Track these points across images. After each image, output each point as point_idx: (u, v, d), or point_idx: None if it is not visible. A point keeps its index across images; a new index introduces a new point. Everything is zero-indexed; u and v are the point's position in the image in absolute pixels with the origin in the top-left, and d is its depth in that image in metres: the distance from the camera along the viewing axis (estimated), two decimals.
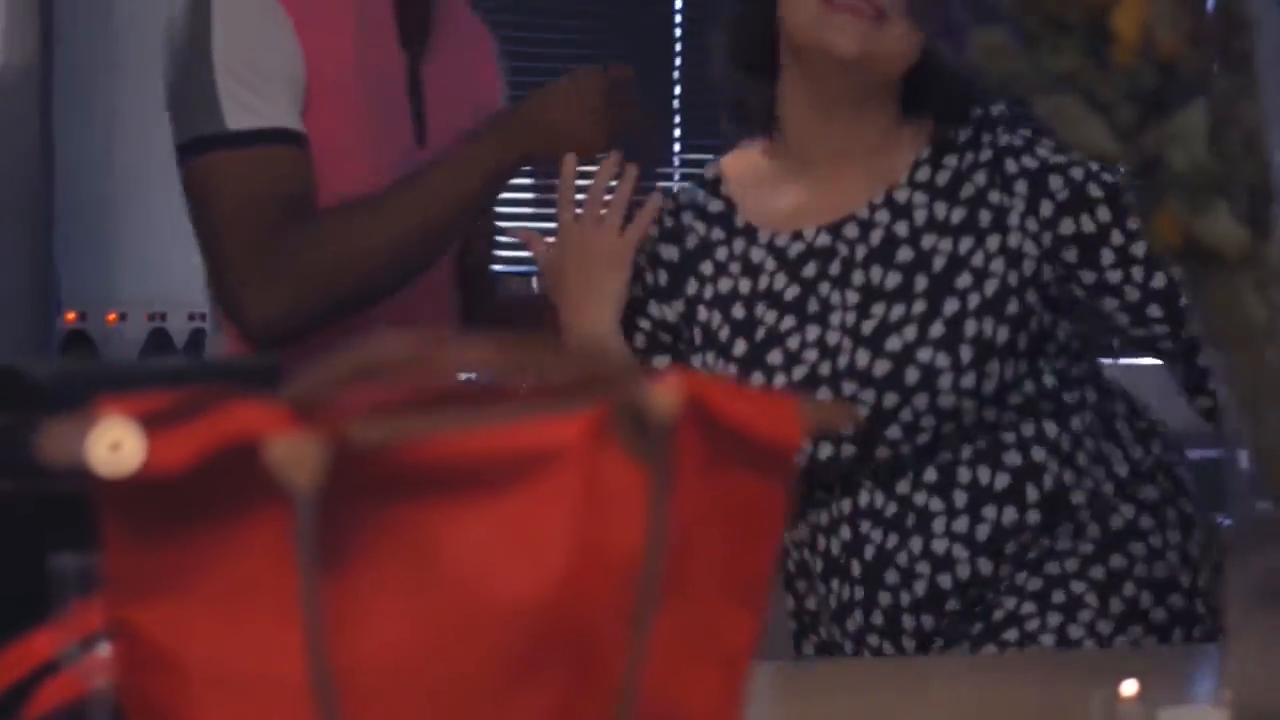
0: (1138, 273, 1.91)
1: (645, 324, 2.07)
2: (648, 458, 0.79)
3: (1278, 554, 1.08)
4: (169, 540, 0.73)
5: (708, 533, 0.83)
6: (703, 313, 2.02)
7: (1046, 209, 1.91)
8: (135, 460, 0.70)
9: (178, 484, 0.71)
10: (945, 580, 1.88)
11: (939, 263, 1.92)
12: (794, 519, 1.98)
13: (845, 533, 1.92)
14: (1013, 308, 1.90)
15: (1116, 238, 1.91)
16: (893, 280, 1.91)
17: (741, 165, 2.06)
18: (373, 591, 0.76)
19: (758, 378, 1.95)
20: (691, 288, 2.03)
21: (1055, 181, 1.91)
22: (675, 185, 4.13)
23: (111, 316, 3.72)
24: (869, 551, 1.90)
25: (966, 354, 1.88)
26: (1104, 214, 1.91)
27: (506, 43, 2.40)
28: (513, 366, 0.78)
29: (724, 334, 1.99)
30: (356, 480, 0.75)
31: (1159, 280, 1.91)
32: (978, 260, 1.91)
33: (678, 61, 4.14)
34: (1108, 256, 1.91)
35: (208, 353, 2.19)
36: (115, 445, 0.70)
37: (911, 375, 1.88)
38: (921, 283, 1.91)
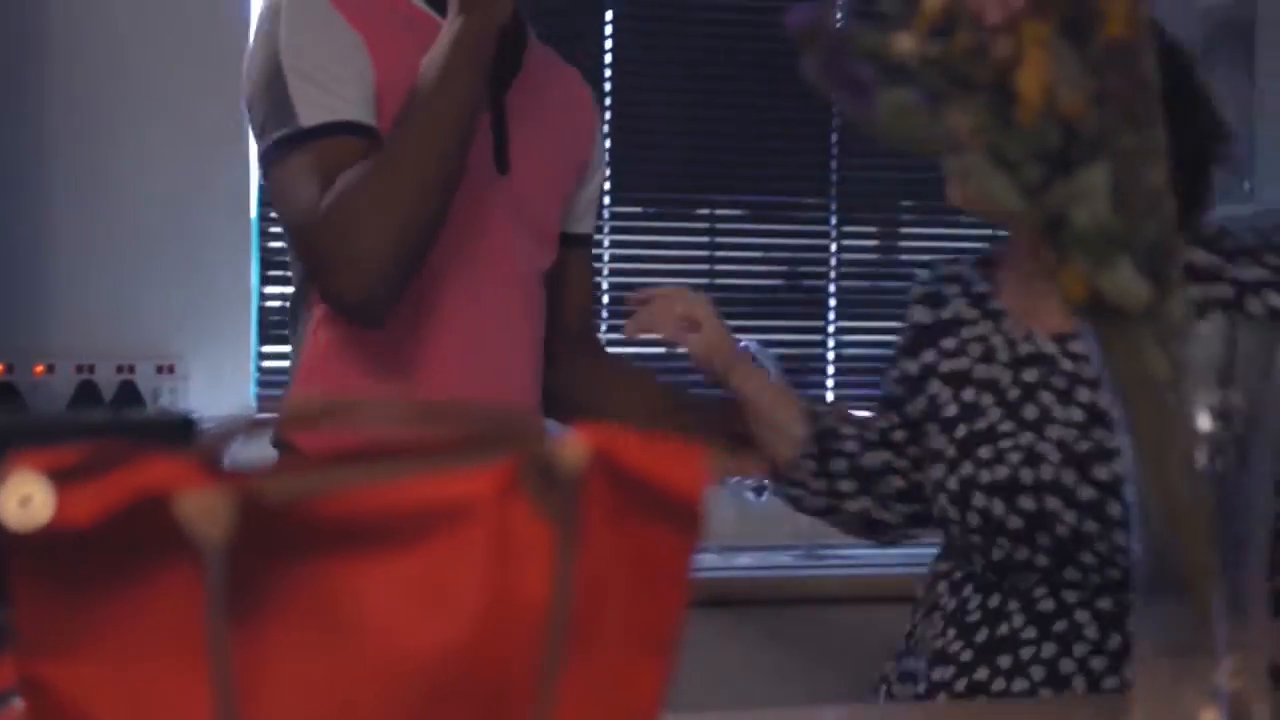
0: None
1: (894, 373, 2.12)
2: (555, 511, 0.80)
3: (1180, 602, 1.10)
4: (80, 595, 0.74)
5: (617, 583, 0.84)
6: (934, 385, 2.05)
7: None
8: (44, 514, 0.71)
9: (88, 538, 0.72)
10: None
11: None
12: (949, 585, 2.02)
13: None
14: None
15: None
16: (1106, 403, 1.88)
17: (1019, 253, 2.05)
18: (282, 645, 0.77)
19: (968, 467, 1.96)
20: (929, 356, 2.05)
21: None
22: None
23: (39, 368, 3.71)
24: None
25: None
26: None
27: None
28: (421, 421, 0.79)
29: (949, 411, 2.01)
30: (267, 534, 0.76)
31: None
32: None
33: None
34: None
35: (294, 339, 2.30)
36: (25, 500, 0.71)
37: (1115, 509, 1.85)
38: None
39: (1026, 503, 1.88)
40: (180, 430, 3.29)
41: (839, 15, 1.04)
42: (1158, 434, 1.09)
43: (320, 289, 2.13)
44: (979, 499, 1.93)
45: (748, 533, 4.09)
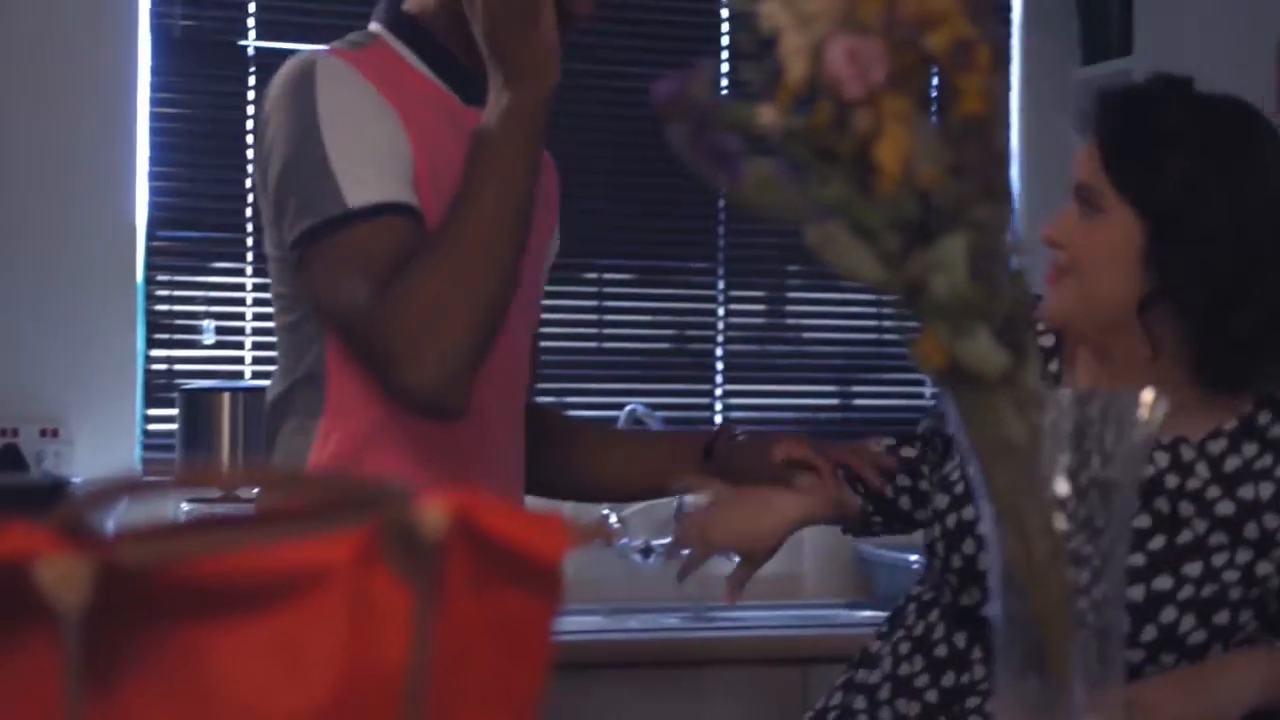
0: None
1: (935, 413, 2.18)
2: (415, 576, 0.81)
3: (1039, 667, 1.12)
4: None
5: (478, 649, 0.85)
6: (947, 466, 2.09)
7: None
8: None
9: None
10: None
11: (1184, 536, 1.90)
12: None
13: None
14: (1222, 618, 1.88)
15: None
16: (1138, 519, 1.89)
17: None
18: (140, 710, 0.77)
19: (969, 511, 2.00)
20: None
21: None
22: None
23: None
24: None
25: (1149, 634, 1.88)
26: None
27: None
28: (279, 487, 0.80)
29: (955, 492, 2.04)
30: (126, 600, 0.76)
31: None
32: (1218, 560, 1.89)
33: None
34: None
35: (279, 446, 2.14)
36: None
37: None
38: (1157, 541, 1.90)
39: (991, 561, 1.92)
40: (62, 495, 3.27)
41: (706, 87, 1.06)
42: (1016, 500, 1.11)
43: (392, 383, 1.94)
44: (969, 544, 1.96)
45: (636, 595, 4.10)
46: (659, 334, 4.29)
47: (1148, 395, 1.15)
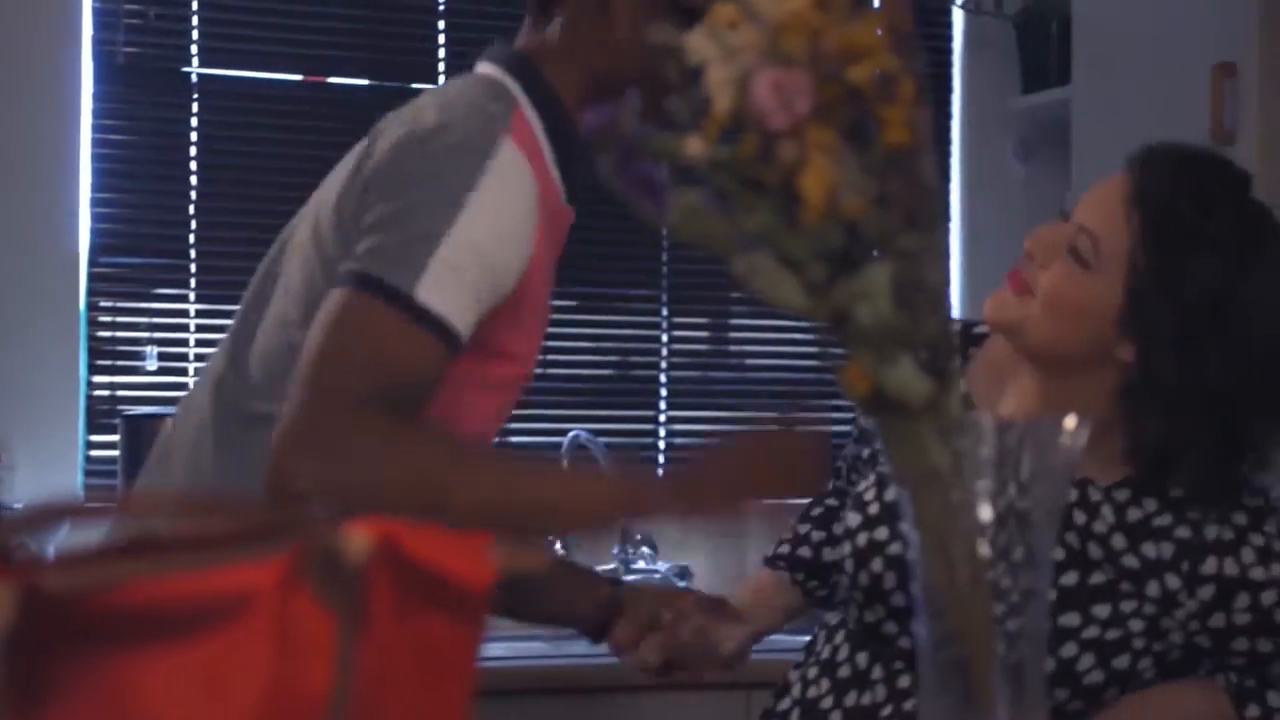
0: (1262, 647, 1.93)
1: (847, 453, 2.22)
2: (337, 601, 0.82)
3: (963, 690, 1.14)
4: None
5: (402, 672, 0.86)
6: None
7: (1219, 621, 1.90)
8: None
9: None
10: None
11: (1096, 577, 1.90)
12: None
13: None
14: (1121, 663, 1.88)
15: (1263, 645, 1.92)
16: (1056, 552, 1.89)
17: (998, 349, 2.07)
18: None
19: (882, 532, 2.01)
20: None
21: (1242, 601, 1.89)
22: None
23: None
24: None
25: (1046, 666, 1.88)
26: (1275, 632, 1.91)
27: None
28: (204, 514, 0.80)
29: (868, 512, 2.05)
30: (50, 626, 0.77)
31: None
32: (1125, 608, 1.89)
33: None
34: (1241, 644, 1.92)
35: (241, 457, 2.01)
36: None
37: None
38: (1070, 578, 1.90)
39: (916, 587, 1.94)
40: None
41: (633, 118, 1.08)
42: (940, 526, 1.13)
43: (281, 442, 1.78)
44: (877, 563, 1.98)
45: None
46: (603, 360, 4.30)
47: (1070, 422, 1.17)
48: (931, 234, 1.10)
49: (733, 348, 4.38)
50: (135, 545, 0.81)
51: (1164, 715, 1.89)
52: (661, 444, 4.32)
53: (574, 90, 2.06)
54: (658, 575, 4.11)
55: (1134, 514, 1.92)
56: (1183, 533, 1.91)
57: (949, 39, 4.46)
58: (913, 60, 1.09)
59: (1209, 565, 1.89)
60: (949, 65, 4.45)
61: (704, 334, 4.38)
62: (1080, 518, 1.91)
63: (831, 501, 2.27)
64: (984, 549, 1.15)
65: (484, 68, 2.08)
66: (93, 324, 3.94)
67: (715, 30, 1.08)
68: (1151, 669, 1.89)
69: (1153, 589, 1.89)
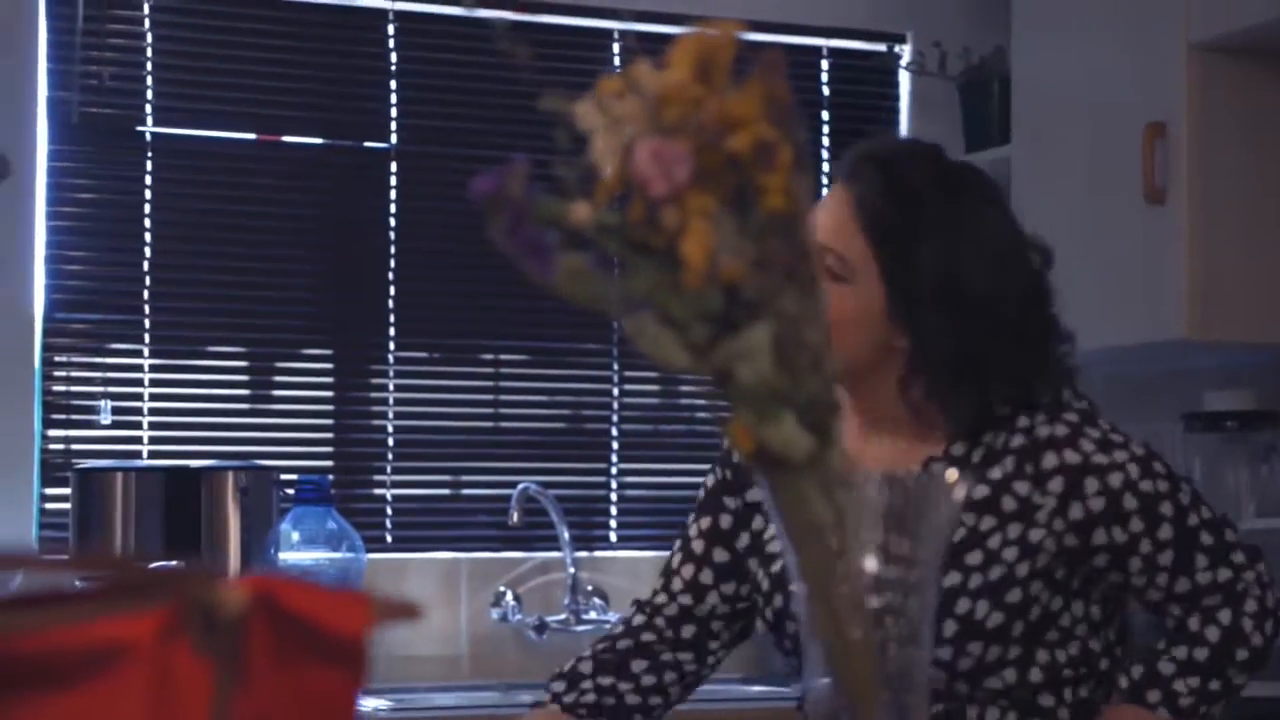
0: (1162, 579, 2.01)
1: (701, 524, 2.23)
2: (215, 651, 0.86)
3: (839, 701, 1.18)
4: None
5: (282, 718, 0.89)
6: (758, 520, 2.15)
7: (1077, 512, 1.99)
8: None
9: None
10: None
11: (959, 533, 1.98)
12: None
13: None
14: (1014, 596, 1.96)
15: (1145, 546, 1.99)
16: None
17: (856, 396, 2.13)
18: None
19: (779, 600, 2.09)
20: (755, 493, 2.13)
21: (1091, 485, 1.99)
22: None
23: None
24: None
25: (949, 629, 1.95)
26: (1136, 524, 1.99)
27: None
28: (84, 570, 0.84)
29: (771, 547, 2.12)
30: None
31: (1183, 584, 2.01)
32: (993, 543, 1.98)
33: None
34: (1135, 564, 2.00)
35: None
36: None
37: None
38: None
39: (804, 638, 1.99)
40: None
41: (521, 183, 1.12)
42: (824, 576, 1.17)
43: None
44: (791, 627, 2.02)
45: (530, 671, 4.13)
46: (555, 414, 4.34)
47: (952, 474, 1.21)
48: (812, 295, 1.14)
49: (683, 400, 4.42)
50: (20, 598, 0.84)
51: None
52: (613, 495, 4.36)
53: None
54: (607, 626, 4.14)
55: (977, 453, 2.05)
56: (1018, 441, 2.03)
57: (896, 99, 4.52)
58: (792, 128, 1.13)
59: (1049, 459, 2.01)
60: (896, 125, 4.51)
61: (655, 387, 4.42)
62: None
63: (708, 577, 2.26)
64: (872, 601, 1.19)
65: None
66: (47, 378, 3.96)
67: (602, 100, 1.13)
68: (1044, 591, 1.97)
69: (1007, 504, 1.98)
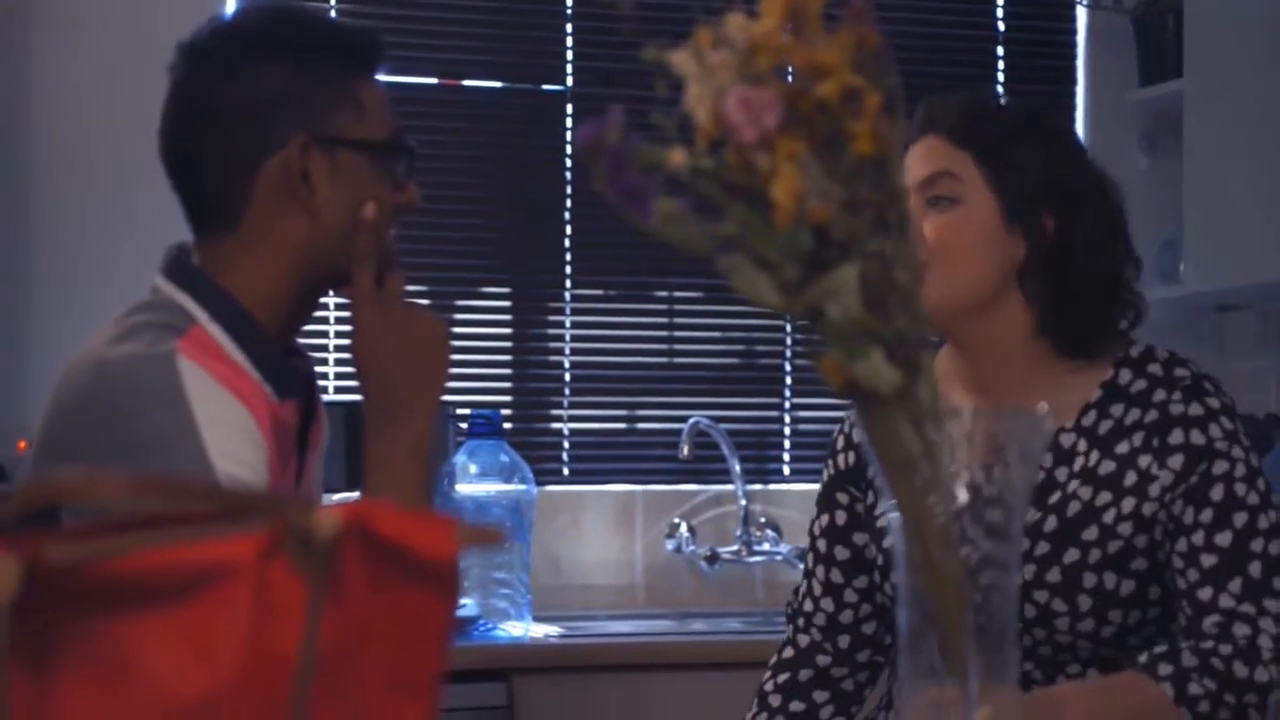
0: (1193, 574, 1.99)
1: (843, 499, 2.30)
2: (309, 572, 0.92)
3: (932, 645, 1.22)
4: None
5: (373, 636, 0.96)
6: (870, 496, 2.24)
7: (1182, 488, 2.01)
8: None
9: None
10: None
11: (1073, 508, 2.02)
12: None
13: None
14: (1139, 564, 2.00)
15: (1198, 539, 1.99)
16: (1030, 516, 2.01)
17: (942, 360, 2.17)
18: (68, 694, 0.89)
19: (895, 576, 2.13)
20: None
21: (1201, 466, 2.01)
22: (569, 322, 4.29)
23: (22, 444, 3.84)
24: None
25: (1085, 603, 1.99)
26: (1206, 516, 2.00)
27: None
28: (189, 497, 0.91)
29: (880, 522, 2.19)
30: (52, 594, 0.88)
31: (1205, 593, 1.99)
32: (1108, 517, 2.01)
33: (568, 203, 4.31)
34: (1181, 545, 2.00)
35: None
36: None
37: (1029, 611, 2.00)
38: (1051, 524, 2.02)
39: (897, 575, 2.03)
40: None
41: (617, 131, 1.17)
42: (915, 508, 1.21)
43: None
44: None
45: (702, 600, 4.21)
46: (728, 349, 4.39)
47: (1043, 407, 1.25)
48: (902, 236, 1.18)
49: None
50: (129, 522, 0.91)
51: (1106, 710, 1.95)
52: (786, 430, 4.41)
53: (264, 291, 2.02)
54: (779, 558, 4.20)
55: (1104, 426, 2.06)
56: (1151, 416, 2.04)
57: (1073, 33, 4.49)
58: (882, 75, 1.17)
59: (1176, 435, 2.02)
60: (1073, 59, 4.49)
61: None
62: (1062, 474, 2.04)
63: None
64: (959, 530, 1.23)
65: (160, 283, 2.03)
66: None
67: (696, 49, 1.18)
68: (1146, 566, 2.01)
69: (1130, 479, 2.01)
